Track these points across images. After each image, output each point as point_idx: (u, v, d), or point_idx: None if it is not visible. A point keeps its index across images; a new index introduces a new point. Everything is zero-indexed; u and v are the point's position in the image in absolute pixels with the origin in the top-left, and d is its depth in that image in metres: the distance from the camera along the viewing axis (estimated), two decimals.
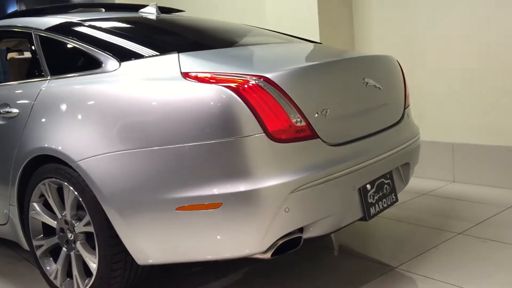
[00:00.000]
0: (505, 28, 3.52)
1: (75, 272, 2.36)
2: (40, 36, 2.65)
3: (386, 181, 2.43)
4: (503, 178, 3.66)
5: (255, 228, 1.91)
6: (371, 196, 2.31)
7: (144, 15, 3.00)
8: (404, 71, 2.81)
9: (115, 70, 2.25)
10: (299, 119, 2.00)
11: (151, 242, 2.07)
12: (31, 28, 2.70)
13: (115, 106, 2.12)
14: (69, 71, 2.46)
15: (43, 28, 2.65)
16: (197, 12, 4.48)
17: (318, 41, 3.41)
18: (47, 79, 2.50)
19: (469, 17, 3.70)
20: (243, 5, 5.09)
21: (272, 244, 1.97)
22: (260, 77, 1.96)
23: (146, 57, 2.24)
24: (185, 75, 2.04)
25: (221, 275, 2.60)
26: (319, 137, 2.06)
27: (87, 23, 2.60)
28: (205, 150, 1.92)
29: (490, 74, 3.65)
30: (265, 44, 2.65)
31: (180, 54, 2.19)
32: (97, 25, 2.56)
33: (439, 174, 4.01)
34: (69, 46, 2.50)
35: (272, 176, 1.91)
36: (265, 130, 1.91)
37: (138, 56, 2.26)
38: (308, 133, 2.03)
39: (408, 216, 3.25)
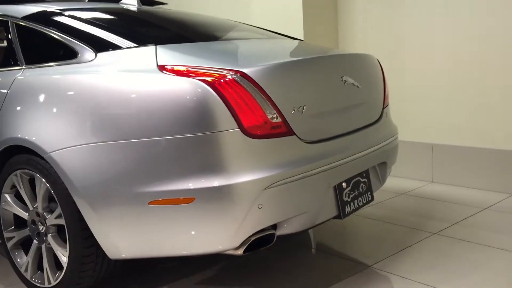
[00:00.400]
0: (487, 29, 3.55)
1: (45, 265, 2.32)
2: (16, 24, 2.59)
3: (362, 180, 2.42)
4: (482, 180, 3.68)
5: (227, 224, 1.90)
6: (347, 195, 2.31)
7: (125, 6, 2.96)
8: (385, 70, 2.81)
9: (91, 60, 2.21)
10: (275, 115, 1.98)
11: (123, 236, 2.04)
12: (8, 16, 2.65)
13: (89, 97, 2.09)
14: (44, 60, 2.41)
15: (19, 17, 2.59)
16: (181, 6, 4.44)
17: (301, 39, 3.40)
18: (22, 68, 2.45)
19: (452, 18, 3.72)
20: (228, 0, 5.06)
21: (245, 240, 1.96)
22: (236, 71, 1.94)
23: (123, 48, 2.21)
24: (162, 67, 2.02)
25: (197, 270, 2.58)
26: (295, 134, 2.05)
27: (65, 13, 2.55)
28: (178, 144, 1.89)
29: (471, 75, 3.67)
30: (246, 40, 2.63)
31: (157, 46, 2.16)
32: (75, 15, 2.52)
33: (418, 174, 4.03)
34: (45, 35, 2.45)
35: (246, 172, 1.89)
36: (240, 126, 1.89)
37: (115, 47, 2.22)
38: (284, 130, 2.01)
39: (385, 215, 3.26)
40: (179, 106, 1.90)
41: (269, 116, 1.97)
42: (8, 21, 2.64)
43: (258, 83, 1.95)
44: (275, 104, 1.98)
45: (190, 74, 1.94)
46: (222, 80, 1.90)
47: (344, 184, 2.29)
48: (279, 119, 2.00)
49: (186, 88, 1.90)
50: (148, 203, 1.95)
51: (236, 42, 2.55)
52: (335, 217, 2.29)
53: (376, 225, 3.11)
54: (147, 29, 2.60)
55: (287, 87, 2.06)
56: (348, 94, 2.35)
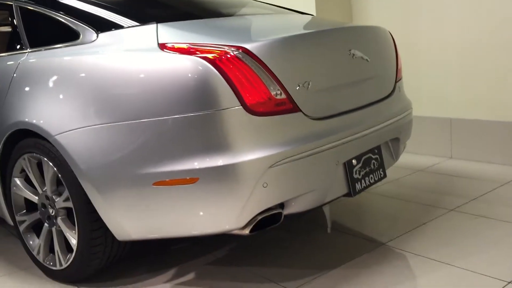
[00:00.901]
0: (505, 3, 3.41)
1: (56, 247, 2.33)
2: (20, 7, 2.58)
3: (374, 156, 2.36)
4: (502, 154, 3.58)
5: (232, 204, 1.87)
6: (357, 172, 2.25)
7: None
8: (401, 44, 2.72)
9: (93, 41, 2.19)
10: (279, 92, 1.93)
11: (129, 218, 2.03)
12: None
13: (92, 78, 2.06)
14: (48, 43, 2.39)
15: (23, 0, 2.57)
16: None
17: (311, 14, 3.30)
18: (26, 52, 2.44)
19: None
20: None
21: (251, 220, 1.93)
22: (238, 47, 1.89)
23: (125, 27, 2.17)
24: (162, 46, 1.98)
25: (208, 251, 2.56)
26: (300, 111, 1.99)
27: None
28: (180, 124, 1.86)
29: (489, 47, 3.54)
30: (252, 15, 2.57)
31: (159, 24, 2.12)
32: None
33: (436, 150, 3.93)
34: (48, 17, 2.42)
35: (249, 150, 1.85)
36: (243, 103, 1.85)
37: (116, 26, 2.19)
38: (288, 106, 1.96)
39: (401, 192, 3.19)
40: (180, 84, 1.86)
41: (273, 93, 1.91)
42: (12, 4, 2.62)
43: (261, 58, 1.90)
44: (279, 80, 1.93)
45: (191, 52, 1.89)
46: (223, 57, 1.85)
47: (354, 161, 2.23)
48: (284, 96, 1.94)
49: (186, 66, 1.86)
50: (153, 184, 1.93)
51: (241, 18, 2.49)
52: (345, 195, 2.24)
53: (391, 203, 3.05)
54: (149, 7, 2.55)
55: (291, 62, 2.00)
56: (357, 68, 2.27)
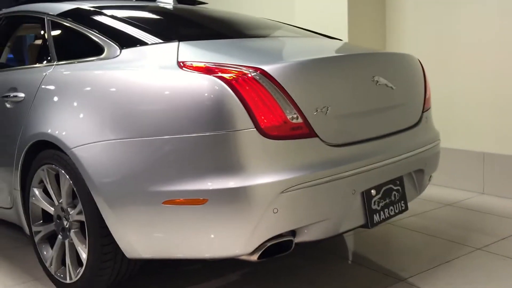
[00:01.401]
0: None
1: (68, 260, 2.32)
2: (52, 21, 2.64)
3: (395, 188, 2.27)
4: None
5: (240, 228, 1.81)
6: (376, 203, 2.17)
7: (161, 4, 2.95)
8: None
9: (116, 57, 2.20)
10: (295, 116, 1.88)
11: (139, 236, 2.00)
12: (45, 13, 2.70)
13: (110, 94, 2.07)
14: (74, 56, 2.43)
15: (55, 14, 2.63)
16: (225, 7, 4.40)
17: (340, 38, 3.23)
18: (53, 65, 2.48)
19: (507, 22, 3.46)
20: (271, 2, 5.00)
21: (260, 246, 1.87)
22: (256, 69, 1.86)
23: (148, 44, 2.18)
24: (181, 64, 1.97)
25: (218, 275, 2.51)
26: (317, 136, 1.94)
27: (98, 10, 2.56)
28: (193, 143, 1.83)
29: None
30: (278, 37, 2.54)
31: (181, 42, 2.12)
32: (107, 12, 2.52)
33: (467, 184, 3.78)
34: (76, 32, 2.47)
35: (261, 174, 1.80)
36: (257, 125, 1.80)
37: (140, 43, 2.20)
38: (305, 131, 1.91)
39: (427, 226, 3.07)
40: (195, 103, 1.83)
41: (289, 116, 1.87)
42: (44, 18, 2.68)
43: (278, 81, 1.86)
44: (295, 103, 1.88)
45: (208, 71, 1.87)
46: (240, 78, 1.82)
47: (373, 191, 2.15)
48: (300, 120, 1.89)
49: (202, 85, 1.84)
50: (162, 203, 1.90)
51: (265, 40, 2.46)
52: (362, 226, 2.16)
53: (415, 236, 2.93)
54: (175, 26, 2.57)
55: (310, 86, 1.95)
56: (381, 95, 2.21)
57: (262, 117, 1.82)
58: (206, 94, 1.82)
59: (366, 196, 2.12)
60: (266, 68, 1.87)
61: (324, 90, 1.99)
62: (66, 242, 2.34)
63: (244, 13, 3.28)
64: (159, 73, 1.97)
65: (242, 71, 1.85)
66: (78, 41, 2.46)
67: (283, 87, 1.86)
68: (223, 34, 2.46)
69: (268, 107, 1.83)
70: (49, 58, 2.55)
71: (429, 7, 3.92)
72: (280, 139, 1.85)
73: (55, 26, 2.61)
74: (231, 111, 1.79)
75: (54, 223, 2.42)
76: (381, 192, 2.19)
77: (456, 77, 3.79)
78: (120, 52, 2.20)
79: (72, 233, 2.29)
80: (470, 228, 3.01)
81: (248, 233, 1.82)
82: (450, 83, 3.82)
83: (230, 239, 1.85)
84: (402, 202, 2.31)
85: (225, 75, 1.84)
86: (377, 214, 2.17)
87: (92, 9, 2.59)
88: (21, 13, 2.97)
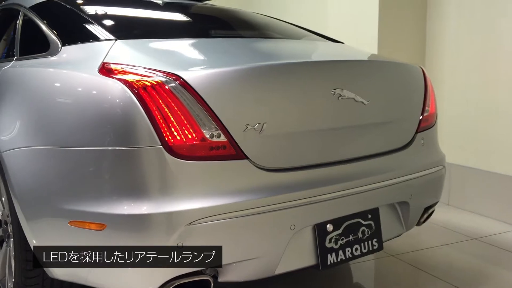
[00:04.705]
0: None
1: (6, 269, 2.18)
2: (24, 14, 2.50)
3: (365, 222, 1.89)
4: None
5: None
6: (333, 240, 1.80)
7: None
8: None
9: (55, 54, 2.00)
10: (216, 133, 1.57)
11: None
12: (21, 6, 2.56)
13: (38, 96, 1.87)
14: (32, 52, 2.27)
15: (27, 7, 2.49)
16: (260, 9, 4.09)
17: (341, 41, 2.73)
18: (12, 60, 2.34)
19: None
20: (304, 9, 4.65)
21: (165, 284, 1.58)
22: (171, 75, 1.57)
23: (87, 42, 1.96)
24: (102, 65, 1.72)
25: None
26: (247, 158, 1.61)
27: (69, 3, 2.38)
28: (95, 158, 1.59)
29: None
30: (238, 38, 2.22)
31: (118, 41, 1.87)
32: (78, 5, 2.33)
33: (504, 215, 3.22)
34: (37, 26, 2.30)
35: (165, 200, 1.51)
36: (164, 143, 1.52)
37: (82, 40, 1.98)
38: (230, 152, 1.59)
39: (435, 265, 2.60)
40: (100, 112, 1.58)
41: (207, 134, 1.56)
42: (20, 10, 2.56)
43: (197, 91, 1.56)
44: (218, 119, 1.57)
45: (120, 75, 1.61)
46: (148, 85, 1.54)
47: (329, 226, 1.79)
48: (223, 138, 1.58)
49: (108, 91, 1.58)
50: (69, 223, 1.67)
51: (219, 42, 2.12)
52: (313, 267, 1.80)
53: (416, 275, 2.50)
54: (134, 22, 2.32)
55: (241, 98, 1.63)
56: (345, 111, 1.82)
57: (172, 133, 1.53)
58: (110, 102, 1.57)
59: (318, 232, 1.76)
60: (184, 75, 1.57)
61: (261, 103, 1.65)
62: (8, 249, 2.20)
63: (252, 11, 2.98)
64: (76, 75, 1.75)
65: (155, 78, 1.57)
66: (38, 36, 2.29)
67: (203, 99, 1.56)
68: (181, 33, 2.18)
69: (180, 121, 1.53)
70: (13, 53, 2.42)
71: (474, 11, 3.38)
72: (195, 159, 1.55)
73: (25, 19, 2.47)
74: (134, 123, 1.52)
75: (1, 228, 2.28)
76: (341, 228, 1.82)
77: (500, 94, 3.23)
78: (60, 49, 2.00)
79: (11, 241, 2.14)
80: (489, 271, 2.51)
81: (147, 269, 1.54)
82: (492, 101, 3.27)
83: (131, 273, 1.59)
84: (375, 240, 1.92)
85: (135, 81, 1.56)
86: (333, 253, 1.80)
87: (63, 2, 2.41)
88: (8, 6, 2.88)
